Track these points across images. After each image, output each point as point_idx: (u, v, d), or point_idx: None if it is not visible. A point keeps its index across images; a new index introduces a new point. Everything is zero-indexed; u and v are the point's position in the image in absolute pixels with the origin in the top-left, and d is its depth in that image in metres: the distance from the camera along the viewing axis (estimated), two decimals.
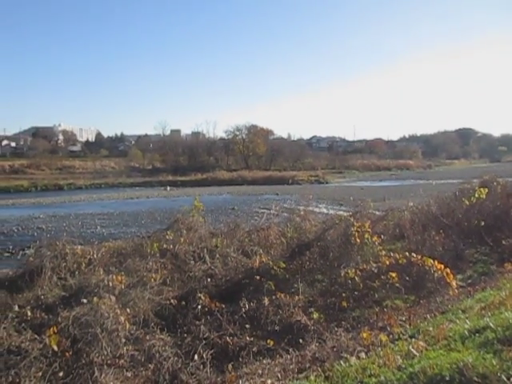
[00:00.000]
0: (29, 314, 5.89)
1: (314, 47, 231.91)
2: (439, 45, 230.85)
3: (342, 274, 7.32)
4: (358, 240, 8.31)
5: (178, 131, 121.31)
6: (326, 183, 63.11)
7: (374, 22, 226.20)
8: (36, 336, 4.82)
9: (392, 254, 7.72)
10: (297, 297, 6.57)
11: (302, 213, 11.66)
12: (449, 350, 3.96)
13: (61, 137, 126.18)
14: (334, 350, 4.79)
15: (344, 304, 6.56)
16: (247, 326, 5.72)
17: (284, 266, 7.59)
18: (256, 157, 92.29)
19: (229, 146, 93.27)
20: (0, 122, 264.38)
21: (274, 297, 6.38)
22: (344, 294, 6.84)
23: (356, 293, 6.93)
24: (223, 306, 6.21)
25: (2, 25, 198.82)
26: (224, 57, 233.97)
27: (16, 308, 6.12)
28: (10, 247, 19.18)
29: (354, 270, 7.23)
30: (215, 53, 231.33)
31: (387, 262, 7.37)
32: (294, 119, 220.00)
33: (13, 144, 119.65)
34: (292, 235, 9.93)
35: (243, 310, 6.02)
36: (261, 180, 65.12)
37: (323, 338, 5.30)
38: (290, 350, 5.06)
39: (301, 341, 5.35)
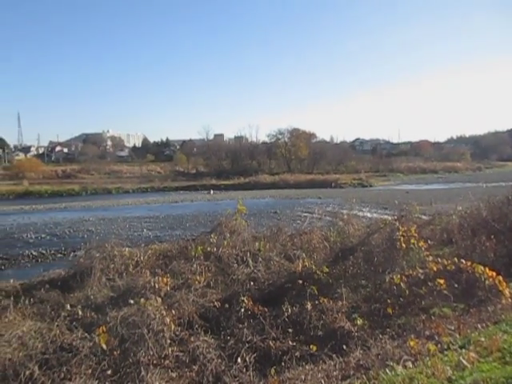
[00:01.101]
0: (80, 313, 6.14)
1: (353, 51, 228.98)
2: (492, 42, 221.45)
3: (387, 280, 7.14)
4: (404, 245, 8.09)
5: (221, 135, 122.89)
6: (370, 186, 61.86)
7: (426, 23, 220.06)
8: (86, 334, 5.01)
9: (440, 260, 7.44)
10: (340, 302, 6.48)
11: (345, 217, 11.49)
12: (503, 363, 3.76)
13: (109, 142, 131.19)
14: (379, 357, 4.67)
15: (389, 311, 6.39)
16: (290, 330, 5.70)
17: (327, 270, 7.51)
18: (298, 160, 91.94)
19: (271, 149, 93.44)
20: (53, 129, 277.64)
21: (316, 302, 6.32)
22: (389, 301, 6.67)
23: (401, 299, 6.73)
24: (266, 309, 6.21)
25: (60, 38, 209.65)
26: (264, 63, 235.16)
27: (68, 307, 6.41)
28: (63, 248, 20.09)
29: (399, 276, 7.04)
30: (257, 58, 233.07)
31: (434, 268, 7.12)
32: (336, 122, 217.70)
33: (65, 150, 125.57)
34: (335, 239, 9.81)
35: (286, 314, 6.00)
36: (303, 183, 64.74)
37: (367, 345, 5.18)
38: (334, 356, 4.99)
39: (344, 347, 5.26)
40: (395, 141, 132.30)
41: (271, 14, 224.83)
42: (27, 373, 4.24)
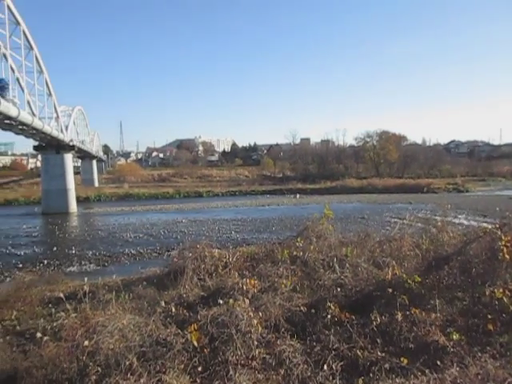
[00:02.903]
0: (173, 310, 6.47)
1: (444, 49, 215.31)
2: None
3: (487, 294, 6.59)
4: (507, 256, 7.41)
5: (308, 139, 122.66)
6: (467, 192, 57.86)
7: None
8: (179, 331, 5.26)
9: None
10: (433, 314, 6.11)
11: (438, 223, 10.85)
12: None
13: (201, 148, 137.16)
14: (479, 377, 4.32)
15: (489, 327, 5.89)
16: (378, 340, 5.50)
17: (419, 279, 7.13)
18: (387, 164, 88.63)
19: (359, 153, 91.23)
20: (151, 136, 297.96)
21: (407, 312, 6.02)
22: (489, 316, 6.14)
23: (504, 315, 6.18)
24: (353, 317, 6.06)
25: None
26: (350, 65, 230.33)
27: (163, 304, 6.79)
28: (158, 248, 21.39)
29: (501, 290, 6.46)
30: (342, 61, 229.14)
31: None
32: (429, 123, 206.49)
33: (161, 155, 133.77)
34: (428, 247, 9.29)
35: (374, 323, 5.80)
36: (392, 188, 62.48)
37: (465, 362, 4.82)
38: (427, 371, 4.72)
39: (438, 363, 4.96)
40: (496, 142, 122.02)
41: (361, 16, 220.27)
42: (127, 363, 4.57)
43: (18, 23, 32.71)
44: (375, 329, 5.72)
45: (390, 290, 6.66)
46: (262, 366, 4.91)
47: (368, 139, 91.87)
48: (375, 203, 45.71)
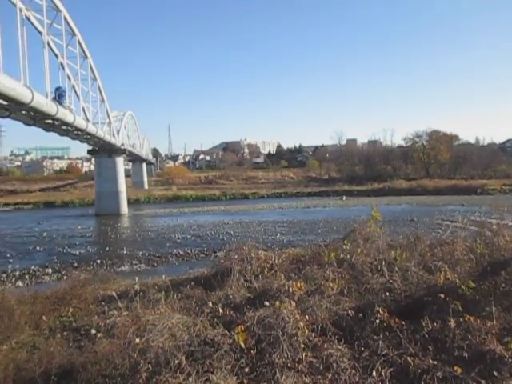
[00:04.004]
0: (220, 310, 6.56)
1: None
2: None
3: None
4: None
5: (354, 140, 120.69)
6: None
7: None
8: (226, 331, 5.32)
9: None
10: (489, 322, 5.82)
11: (494, 227, 10.35)
12: None
13: (246, 150, 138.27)
14: None
15: None
16: (430, 347, 5.31)
17: (473, 285, 6.82)
18: (438, 164, 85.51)
19: (407, 153, 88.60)
20: (198, 139, 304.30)
21: (461, 319, 5.77)
22: None
23: None
24: (403, 322, 5.89)
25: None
26: (397, 64, 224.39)
27: (210, 304, 6.90)
28: (205, 249, 21.75)
29: None
30: (388, 60, 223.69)
31: None
32: (483, 122, 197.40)
33: (207, 158, 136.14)
34: (482, 251, 8.87)
35: (425, 329, 5.60)
36: (443, 189, 60.32)
37: None
38: (483, 382, 4.51)
39: (495, 373, 4.72)
40: None
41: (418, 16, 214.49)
42: (176, 362, 4.67)
43: (73, 34, 34.36)
44: (426, 335, 5.53)
45: (442, 296, 6.42)
46: (308, 369, 4.87)
47: (417, 139, 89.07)
48: (425, 205, 44.27)
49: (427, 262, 8.71)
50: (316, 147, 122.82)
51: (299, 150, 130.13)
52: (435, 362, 4.92)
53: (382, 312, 6.06)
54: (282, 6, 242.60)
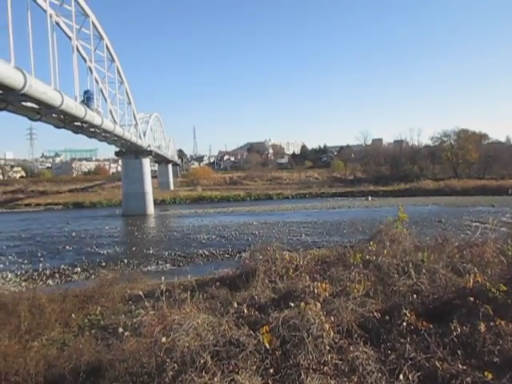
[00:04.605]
0: (245, 311, 6.57)
1: None
2: None
3: None
4: None
5: (380, 140, 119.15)
6: None
7: None
8: (251, 332, 5.33)
9: None
10: None
11: None
12: None
13: (271, 150, 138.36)
14: None
15: None
16: (459, 352, 5.18)
17: (505, 289, 6.62)
18: (466, 164, 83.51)
19: (435, 153, 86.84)
20: (222, 140, 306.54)
21: (492, 323, 5.62)
22: None
23: None
24: (431, 326, 5.77)
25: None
26: (423, 63, 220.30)
27: (235, 304, 6.93)
28: (230, 249, 21.87)
29: None
30: (415, 59, 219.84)
31: None
32: None
33: (232, 158, 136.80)
34: None
35: (454, 333, 5.47)
36: (472, 190, 58.89)
37: None
38: None
39: None
40: None
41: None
42: (201, 361, 4.71)
43: (101, 38, 35.10)
44: (455, 339, 5.40)
45: (472, 299, 6.26)
46: (334, 371, 4.83)
47: (445, 138, 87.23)
48: (453, 206, 43.30)
49: (456, 264, 8.51)
50: (341, 147, 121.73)
51: (324, 151, 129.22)
52: (464, 367, 4.81)
53: (409, 315, 5.96)
54: (305, 7, 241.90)
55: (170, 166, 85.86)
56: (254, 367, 4.80)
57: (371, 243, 9.98)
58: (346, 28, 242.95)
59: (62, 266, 18.75)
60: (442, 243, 10.30)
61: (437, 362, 4.89)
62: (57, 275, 17.17)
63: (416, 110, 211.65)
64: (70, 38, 29.54)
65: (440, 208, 41.91)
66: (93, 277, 16.04)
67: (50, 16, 24.82)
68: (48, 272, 17.70)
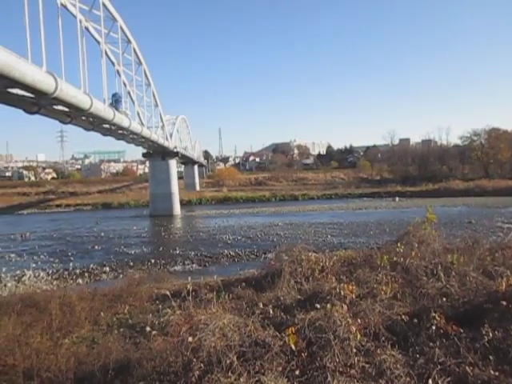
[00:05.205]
0: (271, 312, 6.58)
1: None
2: None
3: None
4: None
5: (407, 140, 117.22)
6: None
7: None
8: (277, 333, 5.33)
9: None
10: None
11: None
12: None
13: (296, 151, 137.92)
14: None
15: None
16: (491, 357, 5.04)
17: None
18: (498, 164, 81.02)
19: (464, 153, 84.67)
20: (247, 141, 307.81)
21: None
22: None
23: None
24: (461, 330, 5.63)
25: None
26: (451, 63, 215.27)
27: (261, 305, 6.94)
28: (255, 250, 21.88)
29: None
30: (449, 60, 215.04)
31: None
32: None
33: (257, 159, 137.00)
34: None
35: (486, 338, 5.32)
36: (504, 190, 57.12)
37: None
38: None
39: None
40: None
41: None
42: (227, 361, 4.73)
43: (129, 41, 35.75)
44: (487, 344, 5.25)
45: (505, 303, 6.08)
46: (360, 374, 4.77)
47: (475, 138, 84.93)
48: (484, 207, 42.07)
49: (487, 266, 8.30)
50: (367, 147, 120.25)
51: (350, 151, 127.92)
52: (497, 373, 4.68)
53: (438, 318, 5.83)
54: (340, 7, 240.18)
55: (195, 167, 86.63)
56: (280, 368, 4.79)
57: (399, 245, 9.82)
58: (375, 28, 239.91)
59: (92, 266, 19.16)
60: (473, 245, 10.06)
61: (467, 368, 4.77)
62: (86, 274, 17.56)
63: (445, 109, 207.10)
64: (98, 42, 30.20)
65: (470, 209, 40.86)
66: (121, 276, 16.34)
67: (80, 21, 25.44)
68: (78, 271, 18.13)
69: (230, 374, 4.58)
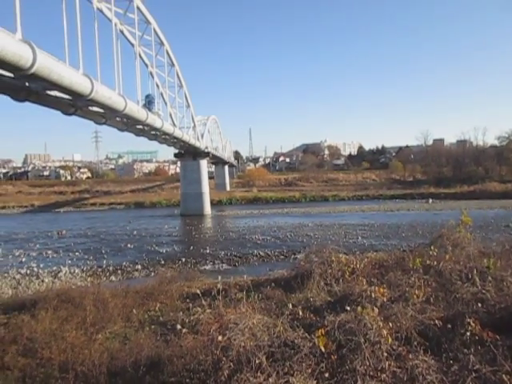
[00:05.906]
0: (300, 313, 6.56)
1: None
2: None
3: None
4: None
5: (441, 140, 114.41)
6: None
7: None
8: (306, 335, 5.30)
9: None
10: None
11: None
12: None
13: (326, 152, 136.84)
14: None
15: None
16: None
17: None
18: None
19: (502, 153, 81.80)
20: (278, 141, 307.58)
21: None
22: None
23: None
24: (497, 337, 5.45)
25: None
26: (487, 62, 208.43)
27: (290, 306, 6.93)
28: (284, 251, 21.84)
29: None
30: (489, 61, 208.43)
31: None
32: None
33: (287, 160, 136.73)
34: None
35: None
36: None
37: None
38: None
39: None
40: None
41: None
42: (257, 361, 4.75)
43: (162, 43, 36.35)
44: None
45: None
46: (392, 379, 4.70)
47: None
48: None
49: None
50: (400, 148, 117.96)
51: (382, 151, 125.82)
52: None
53: (473, 324, 5.67)
54: (371, 7, 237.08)
55: (226, 168, 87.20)
56: (309, 370, 4.77)
57: (432, 248, 9.62)
58: (411, 29, 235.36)
59: (124, 263, 19.61)
60: (510, 249, 9.73)
61: (504, 376, 4.62)
62: (119, 272, 17.98)
63: (481, 109, 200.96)
64: (132, 44, 30.83)
65: (508, 212, 39.44)
66: (152, 274, 16.64)
67: (115, 25, 26.05)
68: (111, 268, 18.59)
69: (259, 374, 4.60)
